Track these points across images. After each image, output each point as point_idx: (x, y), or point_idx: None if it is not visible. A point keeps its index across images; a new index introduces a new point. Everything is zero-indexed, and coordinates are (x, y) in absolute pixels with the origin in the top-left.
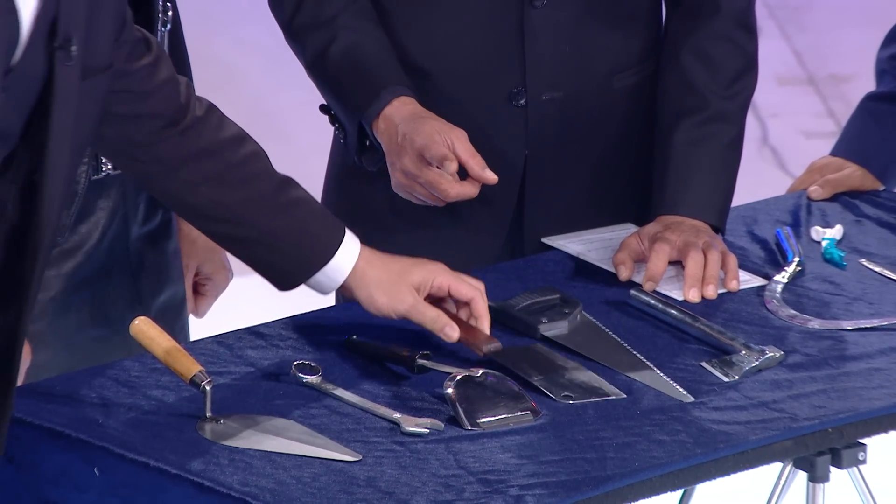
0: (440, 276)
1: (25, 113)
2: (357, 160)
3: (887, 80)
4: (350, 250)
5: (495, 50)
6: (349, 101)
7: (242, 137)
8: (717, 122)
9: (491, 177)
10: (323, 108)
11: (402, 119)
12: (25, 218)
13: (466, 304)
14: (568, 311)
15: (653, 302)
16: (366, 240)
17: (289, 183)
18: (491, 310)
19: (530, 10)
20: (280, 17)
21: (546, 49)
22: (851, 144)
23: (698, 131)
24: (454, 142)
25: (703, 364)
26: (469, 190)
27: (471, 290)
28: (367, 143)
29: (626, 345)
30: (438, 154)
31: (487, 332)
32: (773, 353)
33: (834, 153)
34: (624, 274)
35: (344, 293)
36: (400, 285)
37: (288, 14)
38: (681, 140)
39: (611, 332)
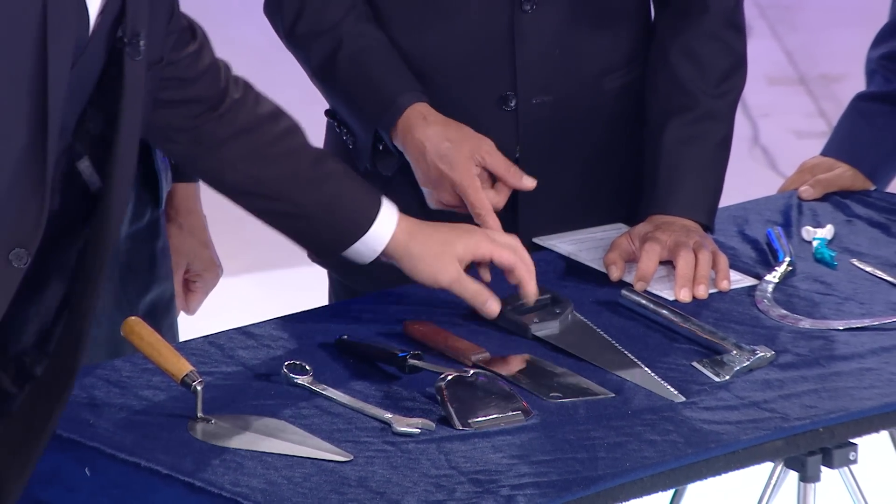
0: (482, 246)
1: (82, 105)
2: (370, 166)
3: (878, 79)
4: (388, 220)
5: (486, 53)
6: (362, 108)
7: (278, 114)
8: (706, 121)
9: (530, 183)
10: (328, 113)
11: (428, 139)
12: (86, 209)
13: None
14: (559, 311)
15: (644, 302)
16: None
17: (325, 156)
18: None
19: (520, 14)
20: (280, 25)
21: (536, 53)
22: (842, 144)
23: (688, 130)
24: (485, 157)
25: (694, 364)
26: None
27: (511, 256)
28: (381, 147)
29: (617, 345)
30: (476, 212)
31: (533, 292)
32: (764, 352)
33: (824, 153)
34: (615, 274)
35: (384, 260)
36: (443, 257)
37: (289, 21)
38: (671, 139)
39: (602, 332)
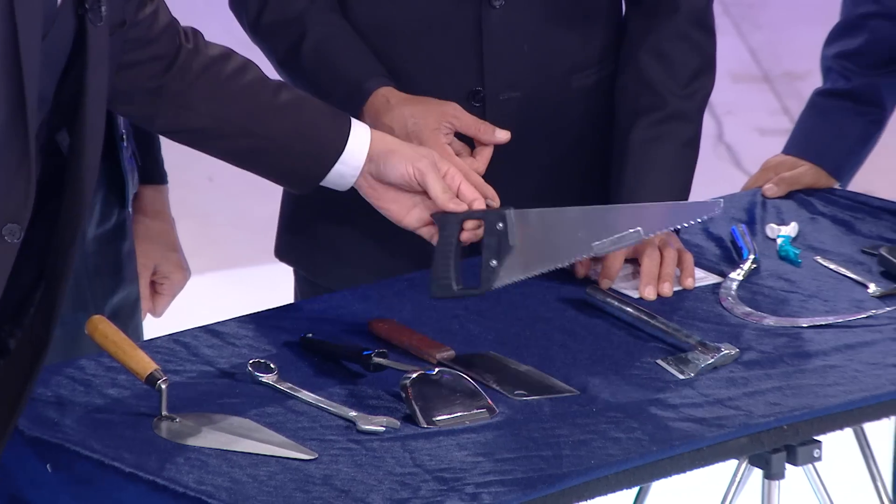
0: (454, 167)
1: (58, 76)
2: None
3: (833, 77)
4: (361, 134)
5: (454, 49)
6: (328, 96)
7: (230, 53)
8: (674, 121)
9: (503, 136)
10: None
11: (393, 121)
12: (58, 181)
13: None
14: (502, 225)
15: (609, 300)
16: (328, 230)
17: (283, 86)
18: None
19: (489, 9)
20: (245, 17)
21: (504, 49)
22: (804, 142)
23: (656, 130)
24: (452, 121)
25: (659, 362)
26: (485, 190)
27: (472, 193)
28: None
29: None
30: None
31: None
32: (728, 350)
33: (786, 151)
34: (580, 271)
35: (363, 181)
36: (421, 149)
37: (253, 13)
38: (638, 138)
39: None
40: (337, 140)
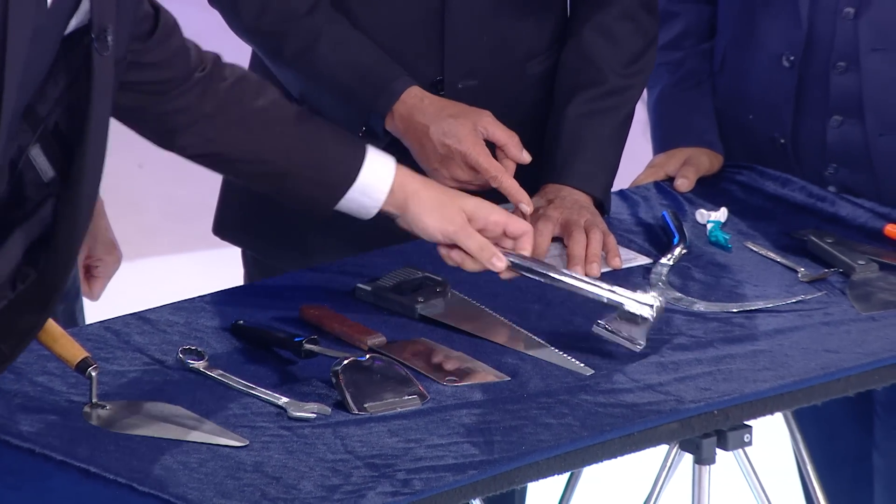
0: (495, 214)
1: (31, 94)
2: None
3: (665, 71)
4: (380, 167)
5: (416, 40)
6: (352, 94)
7: (245, 76)
8: (612, 98)
9: (526, 157)
10: (297, 102)
11: (429, 119)
12: (56, 216)
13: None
14: (440, 289)
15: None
16: (270, 206)
17: (302, 112)
18: (363, 292)
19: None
20: (240, 20)
21: (465, 38)
22: (676, 133)
23: (593, 105)
24: (487, 128)
25: (595, 329)
26: (520, 195)
27: (523, 226)
28: (360, 134)
29: (504, 319)
30: (492, 175)
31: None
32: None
33: (662, 150)
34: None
35: (390, 214)
36: (451, 207)
37: (252, 15)
38: (575, 112)
39: (486, 308)
40: (348, 172)
